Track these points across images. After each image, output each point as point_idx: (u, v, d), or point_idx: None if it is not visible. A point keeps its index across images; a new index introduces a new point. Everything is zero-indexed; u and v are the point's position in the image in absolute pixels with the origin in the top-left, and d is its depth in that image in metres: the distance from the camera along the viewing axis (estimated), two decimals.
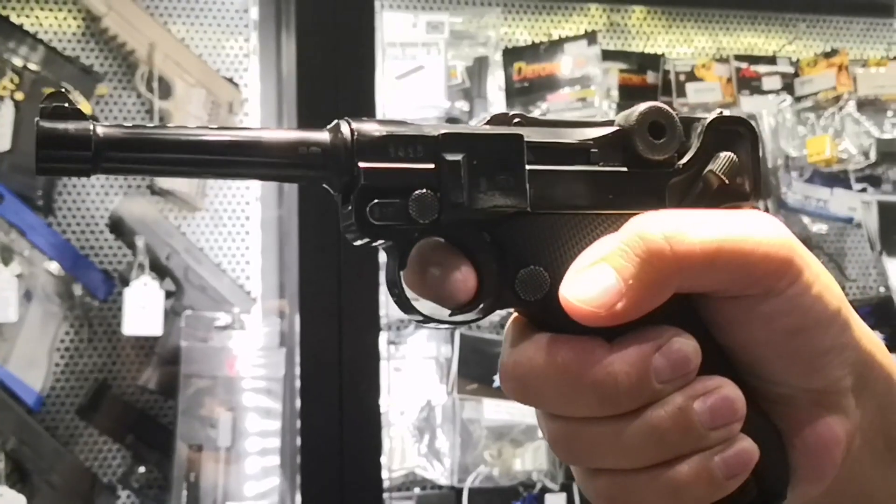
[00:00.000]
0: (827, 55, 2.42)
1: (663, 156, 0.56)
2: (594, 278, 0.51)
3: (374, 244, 0.54)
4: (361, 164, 0.53)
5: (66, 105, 0.50)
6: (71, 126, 0.50)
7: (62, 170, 0.51)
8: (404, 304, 0.55)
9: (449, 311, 0.56)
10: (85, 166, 0.50)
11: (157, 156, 0.52)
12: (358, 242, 0.54)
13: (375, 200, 0.53)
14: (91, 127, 0.50)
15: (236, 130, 0.53)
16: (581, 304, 0.51)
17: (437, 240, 0.55)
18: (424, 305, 0.56)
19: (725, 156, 0.56)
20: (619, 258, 0.51)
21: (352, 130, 0.53)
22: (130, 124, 0.52)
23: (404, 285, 0.55)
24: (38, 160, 0.50)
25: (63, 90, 0.51)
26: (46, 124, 0.50)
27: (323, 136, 0.53)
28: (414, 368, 2.20)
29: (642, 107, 0.56)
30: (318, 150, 0.53)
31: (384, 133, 0.53)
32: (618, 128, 0.56)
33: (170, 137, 0.52)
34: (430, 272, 0.54)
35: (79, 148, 0.50)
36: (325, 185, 0.54)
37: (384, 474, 1.95)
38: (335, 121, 0.54)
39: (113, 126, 0.51)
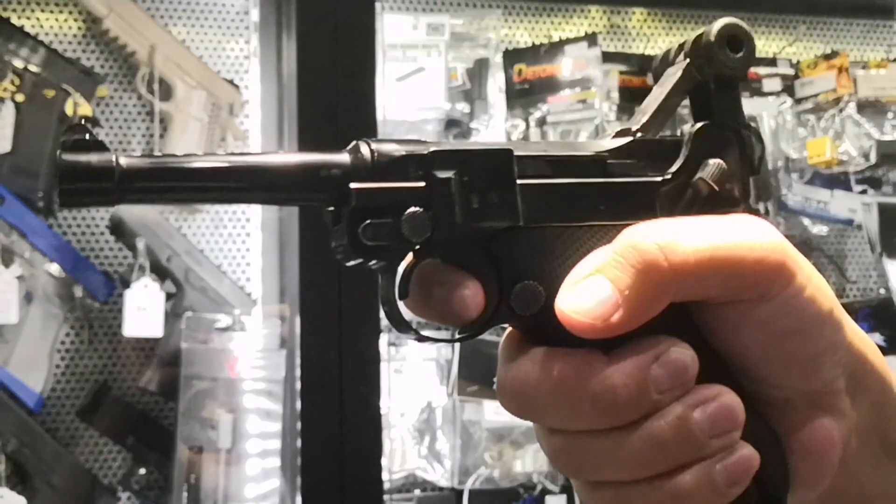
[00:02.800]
0: (827, 57, 2.41)
1: (741, 72, 0.57)
2: (590, 290, 0.51)
3: (367, 265, 0.54)
4: (352, 185, 0.52)
5: (87, 137, 0.50)
6: (94, 158, 0.50)
7: (86, 202, 0.51)
8: (399, 322, 0.55)
9: (457, 331, 0.55)
10: (108, 198, 0.51)
11: (180, 185, 0.52)
12: (350, 263, 0.54)
13: (368, 221, 0.52)
14: (113, 158, 0.50)
15: (256, 156, 0.54)
16: (578, 317, 0.51)
17: (435, 261, 0.55)
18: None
19: (714, 163, 0.56)
20: (615, 269, 0.51)
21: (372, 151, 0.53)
22: (154, 154, 0.52)
23: (399, 304, 0.55)
24: (61, 194, 0.50)
25: (83, 123, 0.51)
26: (68, 157, 0.50)
27: (343, 157, 0.53)
28: (414, 370, 2.20)
29: (720, 22, 0.57)
30: (338, 173, 0.53)
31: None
32: (632, 138, 0.57)
33: (193, 167, 0.52)
34: (435, 293, 0.54)
35: (102, 180, 0.50)
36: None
37: (384, 476, 1.95)
38: (354, 142, 0.54)
39: (136, 157, 0.51)
